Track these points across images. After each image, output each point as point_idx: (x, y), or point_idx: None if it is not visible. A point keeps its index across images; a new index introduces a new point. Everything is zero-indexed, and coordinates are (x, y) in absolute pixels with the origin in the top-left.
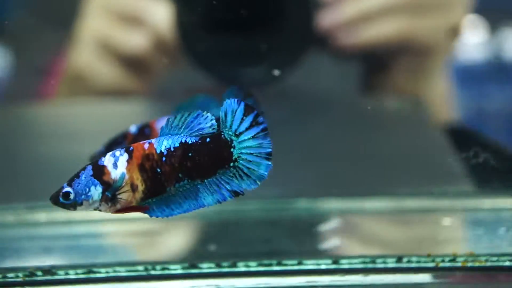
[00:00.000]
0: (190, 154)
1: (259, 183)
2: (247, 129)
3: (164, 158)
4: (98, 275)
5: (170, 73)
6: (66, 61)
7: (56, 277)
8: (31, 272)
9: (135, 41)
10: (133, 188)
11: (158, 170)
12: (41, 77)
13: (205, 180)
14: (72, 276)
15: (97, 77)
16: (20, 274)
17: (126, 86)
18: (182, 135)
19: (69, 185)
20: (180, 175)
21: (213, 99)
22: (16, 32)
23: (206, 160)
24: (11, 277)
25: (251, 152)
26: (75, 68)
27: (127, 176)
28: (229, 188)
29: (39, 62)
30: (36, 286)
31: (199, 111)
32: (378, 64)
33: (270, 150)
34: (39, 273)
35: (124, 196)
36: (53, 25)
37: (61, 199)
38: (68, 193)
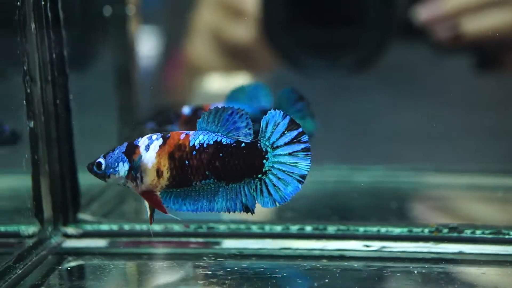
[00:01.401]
0: (221, 155)
1: (277, 204)
2: (286, 144)
3: (194, 152)
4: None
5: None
6: (185, 52)
7: None
8: None
9: (241, 32)
10: (159, 173)
11: (187, 162)
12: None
13: (229, 185)
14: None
15: (210, 67)
16: None
17: (233, 74)
18: (219, 133)
19: (104, 156)
20: (207, 172)
21: (264, 87)
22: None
23: (236, 164)
24: None
25: (284, 169)
26: (191, 58)
27: (155, 161)
28: (243, 201)
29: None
30: None
31: (233, 108)
32: (488, 57)
33: (305, 172)
34: None
35: (148, 178)
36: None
37: (94, 168)
38: (100, 163)
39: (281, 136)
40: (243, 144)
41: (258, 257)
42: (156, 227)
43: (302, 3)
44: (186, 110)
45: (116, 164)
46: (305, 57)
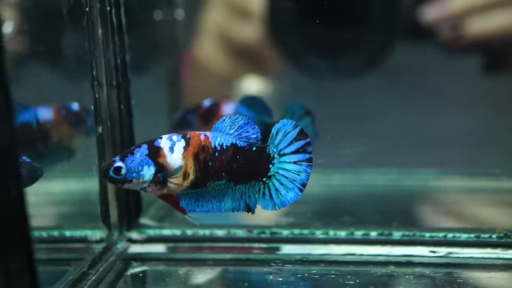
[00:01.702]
0: (238, 157)
1: (277, 208)
2: (292, 152)
3: (216, 154)
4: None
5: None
6: (193, 52)
7: None
8: None
9: (247, 32)
10: (185, 176)
11: (210, 164)
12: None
13: (236, 186)
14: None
15: (217, 66)
16: None
17: (240, 74)
18: (232, 136)
19: (122, 160)
20: (223, 174)
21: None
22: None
23: (247, 166)
24: None
25: (287, 176)
26: (199, 58)
27: (182, 163)
28: (247, 201)
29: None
30: None
31: (249, 119)
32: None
33: (305, 181)
34: None
35: (174, 181)
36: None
37: (111, 173)
38: (120, 168)
39: (289, 144)
40: (254, 148)
41: (326, 263)
42: (219, 232)
43: (308, 3)
44: (206, 103)
45: (141, 168)
46: (311, 58)
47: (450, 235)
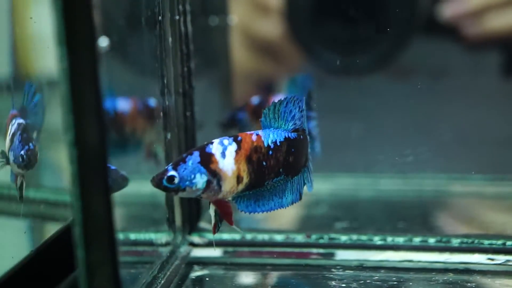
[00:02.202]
0: (293, 150)
1: (313, 188)
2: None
3: (271, 152)
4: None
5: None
6: None
7: None
8: None
9: (268, 28)
10: (239, 180)
11: (264, 163)
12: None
13: (293, 178)
14: None
15: (241, 62)
16: None
17: (262, 70)
18: (283, 129)
19: (175, 169)
20: (280, 170)
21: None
22: None
23: (300, 156)
24: None
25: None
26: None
27: (234, 167)
28: (300, 190)
29: None
30: None
31: (286, 98)
32: None
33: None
34: None
35: (227, 187)
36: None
37: (164, 182)
38: (173, 177)
39: (304, 120)
40: (301, 136)
41: (385, 270)
42: (278, 237)
43: None
44: (255, 100)
45: (193, 176)
46: (328, 53)
47: (509, 243)
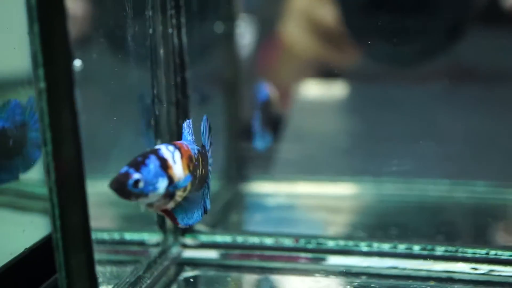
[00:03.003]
0: (204, 162)
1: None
2: (209, 148)
3: (196, 162)
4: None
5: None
6: (281, 34)
7: None
8: None
9: (329, 15)
10: (185, 187)
11: (194, 174)
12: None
13: (199, 192)
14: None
15: (304, 49)
16: None
17: (325, 57)
18: (194, 143)
19: (137, 171)
20: (197, 181)
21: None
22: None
23: (207, 168)
24: None
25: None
26: (288, 41)
27: (183, 175)
28: (204, 205)
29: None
30: None
31: (188, 121)
32: None
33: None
34: None
35: (178, 194)
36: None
37: (130, 186)
38: (138, 181)
39: (208, 140)
40: (203, 151)
41: (368, 276)
42: (268, 241)
43: None
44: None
45: (156, 180)
46: (379, 43)
47: (492, 252)
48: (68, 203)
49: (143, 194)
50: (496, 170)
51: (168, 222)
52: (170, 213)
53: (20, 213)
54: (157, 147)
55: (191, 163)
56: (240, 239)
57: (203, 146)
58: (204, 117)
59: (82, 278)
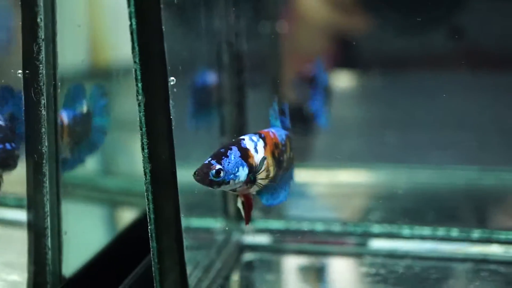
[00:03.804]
0: (291, 146)
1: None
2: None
3: (283, 148)
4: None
5: None
6: (294, 4)
7: None
8: None
9: None
10: (268, 173)
11: (281, 158)
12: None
13: (287, 173)
14: None
15: (320, 18)
16: None
17: (342, 26)
18: (281, 128)
19: (219, 162)
20: (285, 164)
21: None
22: None
23: (292, 152)
24: None
25: None
26: (302, 10)
27: (265, 162)
28: (290, 184)
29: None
30: None
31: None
32: None
33: None
34: None
35: (261, 180)
36: None
37: (211, 175)
38: (220, 170)
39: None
40: (288, 134)
41: (412, 258)
42: (319, 226)
43: None
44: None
45: (237, 169)
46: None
47: None
48: (162, 199)
49: (224, 182)
50: None
51: (230, 209)
52: (250, 198)
53: None
54: (242, 137)
55: (276, 149)
56: (293, 224)
57: (288, 129)
58: (285, 104)
59: (173, 263)
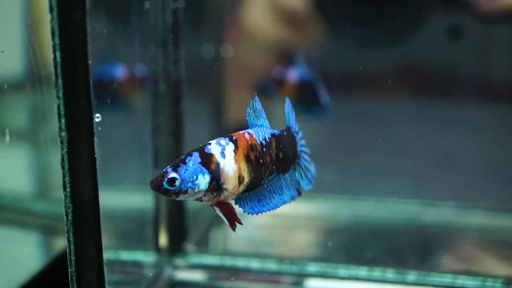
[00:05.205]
0: (280, 146)
1: (312, 184)
2: (299, 130)
3: (264, 149)
4: None
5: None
6: (241, 17)
7: None
8: None
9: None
10: (240, 179)
11: (261, 161)
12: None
13: (285, 175)
14: None
15: (265, 32)
16: None
17: (287, 41)
18: (267, 127)
19: (175, 170)
20: (273, 167)
21: None
22: None
23: (287, 152)
24: None
25: (306, 151)
26: (248, 23)
27: (235, 167)
28: (297, 186)
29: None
30: None
31: (255, 98)
32: None
33: (309, 152)
34: None
35: (229, 187)
36: None
37: (165, 184)
38: (174, 179)
39: (295, 121)
40: (285, 133)
41: None
42: (254, 264)
43: None
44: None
45: (195, 177)
46: (348, 27)
47: (458, 281)
48: (84, 240)
49: (181, 191)
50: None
51: (161, 242)
52: (228, 205)
53: None
54: (208, 142)
55: (253, 152)
56: (228, 261)
57: (288, 128)
58: (287, 100)
59: None
